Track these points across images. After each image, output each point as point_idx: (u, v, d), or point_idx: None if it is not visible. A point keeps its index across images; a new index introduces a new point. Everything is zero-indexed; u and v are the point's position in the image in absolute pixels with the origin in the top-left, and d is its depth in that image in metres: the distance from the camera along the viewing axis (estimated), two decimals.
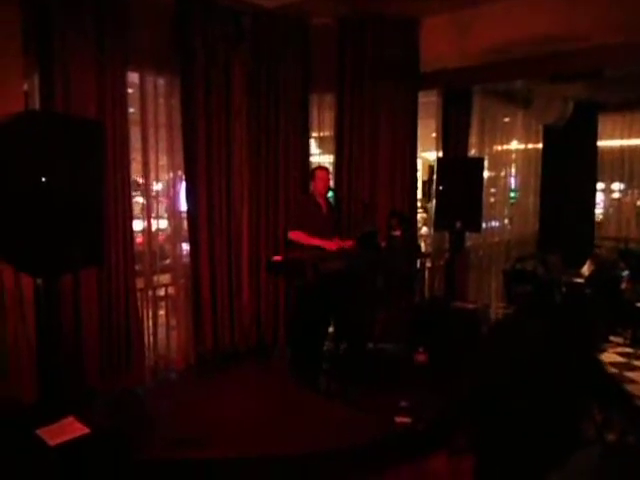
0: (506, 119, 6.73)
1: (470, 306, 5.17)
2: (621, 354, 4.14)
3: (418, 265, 5.56)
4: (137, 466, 2.80)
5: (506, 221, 6.97)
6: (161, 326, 4.68)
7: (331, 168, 5.34)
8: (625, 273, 5.01)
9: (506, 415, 1.35)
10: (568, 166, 6.80)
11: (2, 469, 2.22)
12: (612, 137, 7.60)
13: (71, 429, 2.35)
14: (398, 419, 3.64)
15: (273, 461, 3.30)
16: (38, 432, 2.31)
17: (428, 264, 5.85)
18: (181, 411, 3.84)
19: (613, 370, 3.62)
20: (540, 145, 7.05)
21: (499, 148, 6.65)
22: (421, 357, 4.81)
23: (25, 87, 3.43)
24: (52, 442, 2.25)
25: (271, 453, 3.33)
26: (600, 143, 7.40)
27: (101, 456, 2.40)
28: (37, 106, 3.51)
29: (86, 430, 2.35)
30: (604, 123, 7.39)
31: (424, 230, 6.43)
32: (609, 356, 3.94)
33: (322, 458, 3.34)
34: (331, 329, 4.73)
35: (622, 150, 7.60)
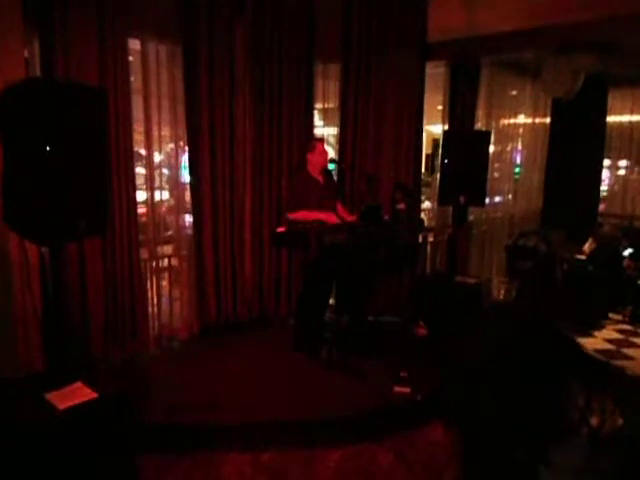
0: (514, 92, 6.63)
1: (471, 281, 5.19)
2: (620, 331, 4.16)
3: (420, 239, 5.57)
4: (142, 430, 2.87)
5: (509, 196, 6.94)
6: (164, 296, 4.73)
7: (334, 141, 5.30)
8: (627, 251, 5.00)
9: (483, 405, 1.32)
10: (575, 142, 6.73)
11: (13, 431, 2.27)
12: (621, 113, 7.50)
13: (79, 394, 2.39)
14: (397, 389, 3.70)
15: (275, 427, 3.37)
16: (47, 396, 2.36)
17: (430, 238, 5.86)
18: (185, 378, 3.92)
19: (611, 347, 3.65)
20: (548, 120, 6.97)
21: (506, 122, 6.58)
22: (421, 330, 4.87)
23: (26, 54, 3.39)
24: (61, 406, 2.30)
25: (272, 419, 3.41)
26: (609, 119, 7.30)
27: (108, 420, 2.46)
28: (38, 74, 3.48)
29: (94, 395, 2.40)
30: (614, 98, 7.28)
31: (426, 204, 6.41)
32: (608, 333, 3.97)
33: (323, 425, 3.42)
34: (332, 301, 4.77)
35: (631, 126, 7.51)
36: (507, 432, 1.20)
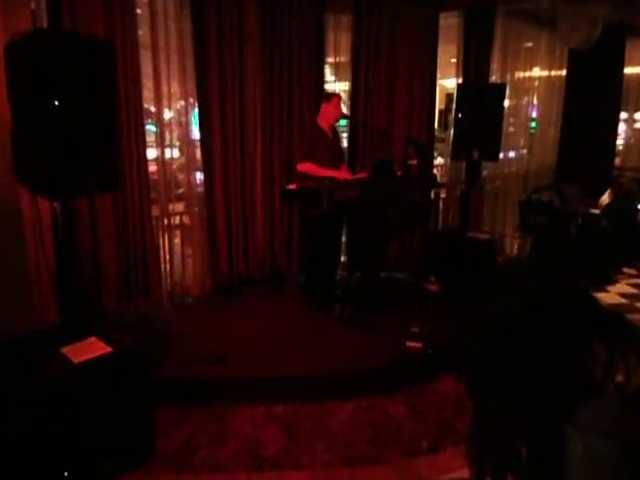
0: (529, 44, 6.44)
1: (484, 236, 5.17)
2: (634, 285, 4.15)
3: (433, 195, 5.52)
4: (157, 383, 2.92)
5: (523, 151, 6.81)
6: (176, 254, 4.75)
7: (346, 96, 5.20)
8: None
9: (503, 361, 1.29)
10: (592, 94, 6.56)
11: (31, 384, 2.32)
12: (639, 64, 7.27)
13: (94, 348, 2.43)
14: (409, 344, 3.73)
15: (288, 380, 3.43)
16: (62, 350, 2.40)
17: (443, 194, 5.81)
18: (199, 333, 3.98)
19: (625, 301, 3.64)
20: (564, 72, 6.78)
21: (521, 75, 6.41)
22: (433, 286, 4.87)
23: (32, 6, 3.32)
24: (76, 359, 2.34)
25: (286, 373, 3.45)
26: (626, 70, 7.08)
27: (124, 373, 2.50)
28: (44, 26, 3.41)
29: (109, 349, 2.43)
30: (632, 49, 7.04)
31: (439, 160, 6.33)
32: (622, 287, 3.96)
33: (335, 378, 3.46)
34: (343, 258, 4.76)
35: None
36: (528, 392, 1.17)
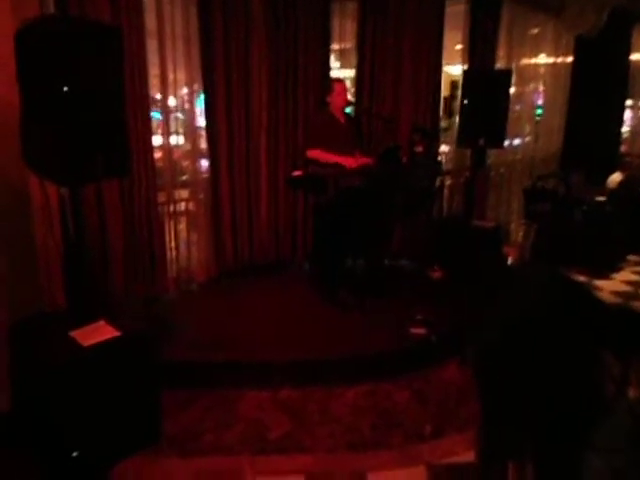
0: (535, 30, 6.39)
1: (488, 224, 5.16)
2: (637, 273, 4.16)
3: (438, 182, 5.51)
4: (164, 367, 2.96)
5: (527, 139, 6.77)
6: (182, 240, 4.77)
7: (351, 83, 5.18)
8: None
9: (512, 369, 1.25)
10: (597, 81, 6.52)
11: (39, 367, 2.35)
12: None
13: (103, 331, 2.45)
14: (413, 330, 3.76)
15: (292, 365, 3.46)
16: (71, 334, 2.42)
17: (448, 181, 5.79)
18: (205, 319, 4.02)
19: (629, 289, 3.64)
20: (570, 59, 6.73)
21: (527, 62, 6.36)
22: (436, 274, 4.89)
23: None
24: (85, 343, 2.36)
25: (290, 358, 3.49)
26: (632, 57, 7.03)
27: (132, 357, 2.53)
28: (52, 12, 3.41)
29: (117, 333, 2.45)
30: (638, 35, 6.98)
31: (443, 147, 6.31)
32: (626, 275, 3.96)
33: (339, 364, 3.50)
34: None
35: None
36: (534, 403, 1.13)
